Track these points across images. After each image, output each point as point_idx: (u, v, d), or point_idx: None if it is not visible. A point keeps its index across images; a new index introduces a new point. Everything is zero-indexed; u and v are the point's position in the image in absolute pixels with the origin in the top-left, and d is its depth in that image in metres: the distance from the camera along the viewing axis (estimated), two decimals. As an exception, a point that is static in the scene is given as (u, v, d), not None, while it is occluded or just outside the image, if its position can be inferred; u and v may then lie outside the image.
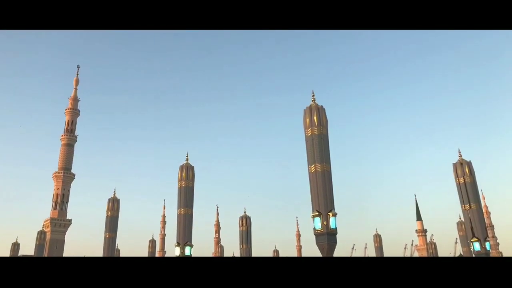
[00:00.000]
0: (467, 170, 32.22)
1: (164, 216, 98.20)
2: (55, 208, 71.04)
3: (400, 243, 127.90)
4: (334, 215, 20.46)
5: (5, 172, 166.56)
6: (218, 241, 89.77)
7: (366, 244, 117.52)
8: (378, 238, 61.99)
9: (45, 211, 76.80)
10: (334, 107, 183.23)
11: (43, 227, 67.39)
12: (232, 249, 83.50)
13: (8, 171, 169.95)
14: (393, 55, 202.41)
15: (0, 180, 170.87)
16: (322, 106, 23.50)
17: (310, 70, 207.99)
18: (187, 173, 32.08)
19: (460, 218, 62.85)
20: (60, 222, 69.93)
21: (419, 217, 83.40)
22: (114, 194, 42.03)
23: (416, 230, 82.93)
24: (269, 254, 79.10)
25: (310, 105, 23.51)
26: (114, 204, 41.26)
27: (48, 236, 65.68)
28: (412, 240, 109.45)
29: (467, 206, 31.49)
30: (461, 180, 32.14)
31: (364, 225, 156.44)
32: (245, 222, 42.73)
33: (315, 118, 22.79)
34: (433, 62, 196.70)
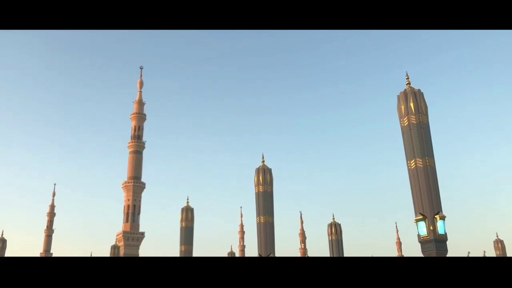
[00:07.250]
0: None
1: (242, 226, 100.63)
2: (127, 221, 75.99)
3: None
4: (443, 218, 19.98)
5: (77, 186, 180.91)
6: (304, 252, 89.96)
7: (484, 252, 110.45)
8: (500, 245, 57.92)
9: (117, 224, 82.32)
10: (432, 89, 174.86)
11: (116, 241, 72.41)
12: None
13: (81, 183, 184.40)
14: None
15: (76, 194, 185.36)
16: (419, 90, 22.79)
17: (400, 45, 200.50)
18: (264, 176, 32.61)
19: None
20: (132, 236, 74.70)
21: (552, 218, 76.75)
22: (188, 203, 43.81)
23: (549, 234, 76.46)
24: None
25: (405, 89, 22.90)
26: (188, 214, 43.02)
27: (121, 250, 70.40)
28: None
29: None
30: None
31: (481, 229, 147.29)
32: (335, 230, 42.34)
33: (411, 104, 22.20)
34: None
